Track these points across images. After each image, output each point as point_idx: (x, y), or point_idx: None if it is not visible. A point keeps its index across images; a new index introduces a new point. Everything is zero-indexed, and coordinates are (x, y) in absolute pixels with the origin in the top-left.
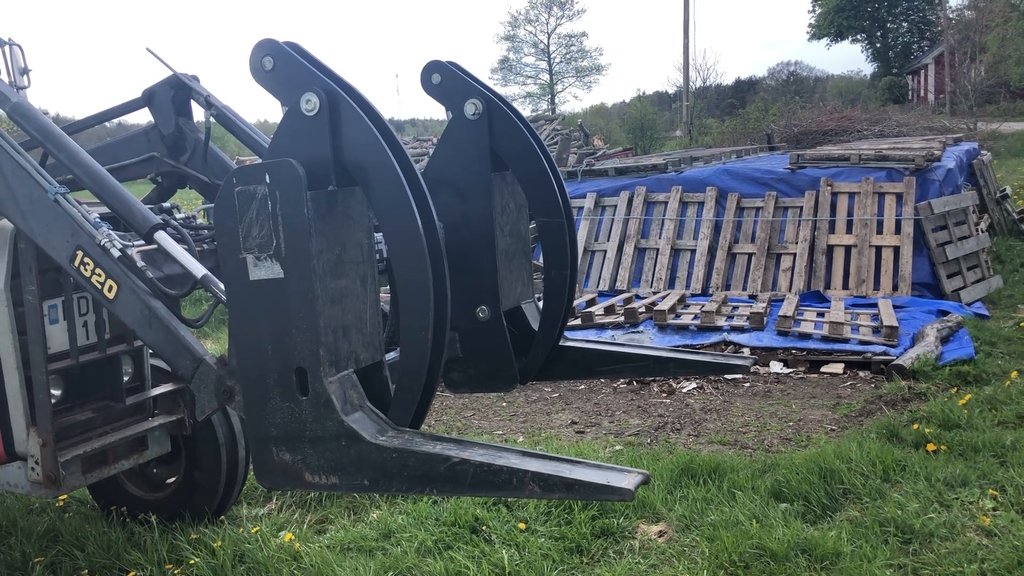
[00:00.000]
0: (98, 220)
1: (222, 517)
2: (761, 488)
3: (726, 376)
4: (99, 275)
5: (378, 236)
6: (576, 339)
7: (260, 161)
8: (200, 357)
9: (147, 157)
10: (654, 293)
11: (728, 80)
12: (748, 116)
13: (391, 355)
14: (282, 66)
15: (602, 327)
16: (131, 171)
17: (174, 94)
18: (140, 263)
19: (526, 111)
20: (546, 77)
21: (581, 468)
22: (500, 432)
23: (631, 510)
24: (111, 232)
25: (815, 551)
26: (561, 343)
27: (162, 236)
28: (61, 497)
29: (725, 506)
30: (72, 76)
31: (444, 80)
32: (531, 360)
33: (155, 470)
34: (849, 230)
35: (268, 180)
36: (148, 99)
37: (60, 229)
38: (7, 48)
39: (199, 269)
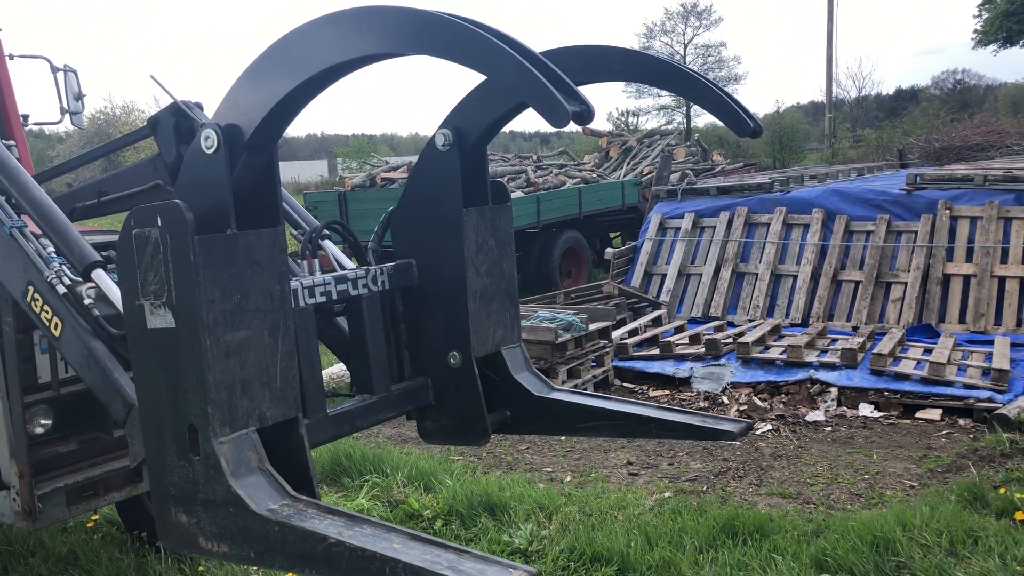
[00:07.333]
0: (51, 255)
1: None
2: (804, 556)
3: (806, 418)
4: (47, 312)
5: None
6: (563, 391)
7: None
8: (132, 402)
9: (152, 185)
10: (749, 322)
11: (888, 89)
12: (895, 128)
13: (351, 402)
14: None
15: (682, 358)
16: (137, 199)
17: (176, 122)
18: (88, 300)
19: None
20: None
21: (466, 560)
22: (549, 469)
23: (653, 572)
24: (63, 268)
25: None
26: (548, 396)
27: (99, 274)
28: (93, 517)
29: (758, 574)
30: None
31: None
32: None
33: None
34: (969, 258)
35: (160, 223)
36: (153, 127)
37: (14, 264)
38: (63, 74)
39: None
